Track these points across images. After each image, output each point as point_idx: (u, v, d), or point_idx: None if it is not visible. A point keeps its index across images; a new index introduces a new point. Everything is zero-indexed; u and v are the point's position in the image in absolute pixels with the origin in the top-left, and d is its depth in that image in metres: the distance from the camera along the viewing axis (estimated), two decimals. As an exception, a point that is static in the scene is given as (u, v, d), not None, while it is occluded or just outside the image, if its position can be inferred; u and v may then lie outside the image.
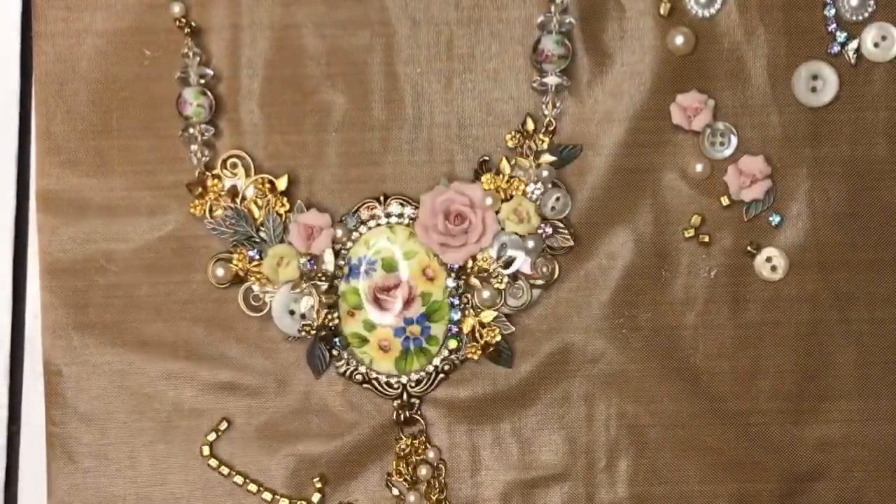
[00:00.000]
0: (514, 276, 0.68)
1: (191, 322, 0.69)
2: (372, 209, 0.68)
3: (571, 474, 0.69)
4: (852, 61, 0.68)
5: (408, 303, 0.67)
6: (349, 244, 0.68)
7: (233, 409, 0.69)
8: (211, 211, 0.68)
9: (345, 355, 0.68)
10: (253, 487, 0.69)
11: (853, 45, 0.68)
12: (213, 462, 0.69)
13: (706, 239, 0.68)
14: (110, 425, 0.69)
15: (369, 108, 0.69)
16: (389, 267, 0.67)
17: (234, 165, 0.68)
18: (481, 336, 0.67)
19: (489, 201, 0.67)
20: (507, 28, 0.69)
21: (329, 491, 0.69)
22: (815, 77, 0.68)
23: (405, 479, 0.69)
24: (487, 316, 0.67)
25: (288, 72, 0.69)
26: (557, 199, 0.67)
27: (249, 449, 0.69)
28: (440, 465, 0.69)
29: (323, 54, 0.69)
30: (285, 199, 0.68)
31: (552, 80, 0.67)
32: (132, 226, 0.69)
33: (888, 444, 0.69)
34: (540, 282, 0.68)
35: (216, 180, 0.68)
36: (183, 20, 0.68)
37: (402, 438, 0.69)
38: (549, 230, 0.68)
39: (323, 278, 0.67)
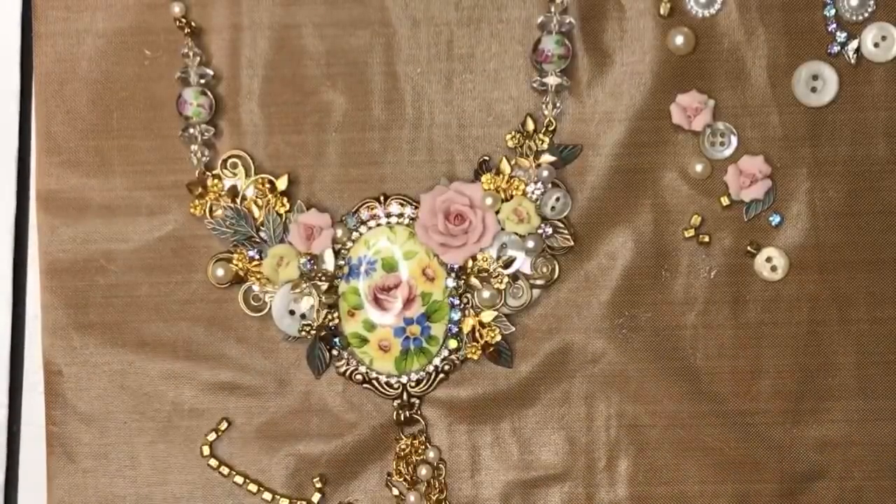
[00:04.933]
0: (514, 276, 0.68)
1: (191, 322, 0.69)
2: (372, 209, 0.68)
3: (571, 474, 0.69)
4: (852, 61, 0.68)
5: (408, 303, 0.67)
6: (349, 244, 0.68)
7: (233, 409, 0.69)
8: (211, 211, 0.68)
9: (345, 355, 0.68)
10: (253, 487, 0.69)
11: (853, 45, 0.68)
12: (213, 462, 0.69)
13: (706, 239, 0.68)
14: (110, 425, 0.69)
15: (369, 108, 0.69)
16: (389, 267, 0.67)
17: (235, 165, 0.68)
18: (481, 336, 0.68)
19: (489, 201, 0.67)
20: (507, 28, 0.69)
21: (329, 491, 0.69)
22: (815, 77, 0.68)
23: (405, 479, 0.69)
24: (487, 316, 0.67)
25: (288, 72, 0.69)
26: (557, 199, 0.67)
27: (249, 449, 0.69)
28: (440, 465, 0.69)
29: (323, 54, 0.69)
30: (285, 199, 0.68)
31: (552, 80, 0.67)
32: (132, 226, 0.69)
33: (888, 444, 0.69)
34: (540, 282, 0.68)
35: (216, 180, 0.68)
36: (183, 20, 0.68)
37: (402, 438, 0.69)
38: (549, 230, 0.68)
39: (323, 278, 0.67)
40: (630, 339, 0.69)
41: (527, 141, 0.68)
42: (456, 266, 0.67)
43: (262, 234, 0.68)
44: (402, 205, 0.68)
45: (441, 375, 0.68)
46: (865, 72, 0.68)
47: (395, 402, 0.69)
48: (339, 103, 0.69)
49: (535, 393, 0.69)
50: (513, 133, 0.68)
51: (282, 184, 0.68)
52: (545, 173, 0.67)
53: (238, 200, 0.68)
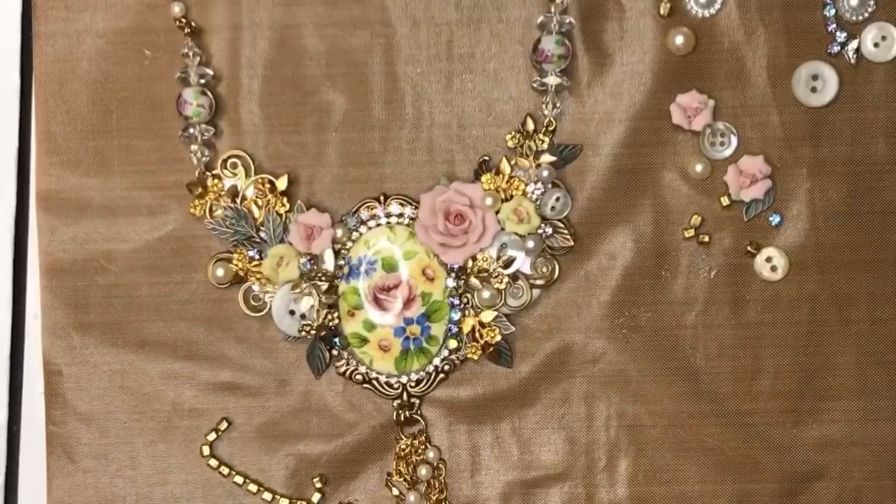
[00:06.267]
0: (514, 276, 0.68)
1: (191, 322, 0.69)
2: (372, 209, 0.68)
3: (571, 474, 0.69)
4: (852, 61, 0.68)
5: (408, 303, 0.67)
6: (349, 244, 0.68)
7: (233, 409, 0.69)
8: (211, 211, 0.68)
9: (345, 355, 0.68)
10: (253, 487, 0.69)
11: (853, 45, 0.68)
12: (213, 462, 0.69)
13: (706, 239, 0.68)
14: (110, 425, 0.69)
15: (369, 108, 0.69)
16: (389, 267, 0.67)
17: (234, 165, 0.68)
18: (481, 336, 0.67)
19: (489, 201, 0.67)
20: (507, 28, 0.69)
21: (329, 491, 0.69)
22: (815, 77, 0.68)
23: (405, 479, 0.69)
24: (487, 316, 0.67)
25: (288, 72, 0.69)
26: (557, 199, 0.67)
27: (249, 449, 0.69)
28: (440, 465, 0.69)
29: (323, 54, 0.69)
30: (285, 199, 0.68)
31: (552, 80, 0.67)
32: (132, 226, 0.69)
33: (888, 444, 0.69)
34: (540, 282, 0.68)
35: (216, 180, 0.68)
36: (183, 20, 0.68)
37: (402, 438, 0.69)
38: (549, 230, 0.68)
39: (323, 278, 0.67)
40: (630, 339, 0.69)
41: (527, 141, 0.68)
42: (456, 266, 0.67)
43: (262, 234, 0.68)
44: (402, 205, 0.68)
45: (441, 375, 0.68)
46: (865, 72, 0.68)
47: (395, 402, 0.69)
48: (339, 103, 0.69)
49: (535, 393, 0.69)
50: (513, 133, 0.68)
51: (282, 184, 0.68)
52: (545, 173, 0.67)
53: (238, 200, 0.68)
